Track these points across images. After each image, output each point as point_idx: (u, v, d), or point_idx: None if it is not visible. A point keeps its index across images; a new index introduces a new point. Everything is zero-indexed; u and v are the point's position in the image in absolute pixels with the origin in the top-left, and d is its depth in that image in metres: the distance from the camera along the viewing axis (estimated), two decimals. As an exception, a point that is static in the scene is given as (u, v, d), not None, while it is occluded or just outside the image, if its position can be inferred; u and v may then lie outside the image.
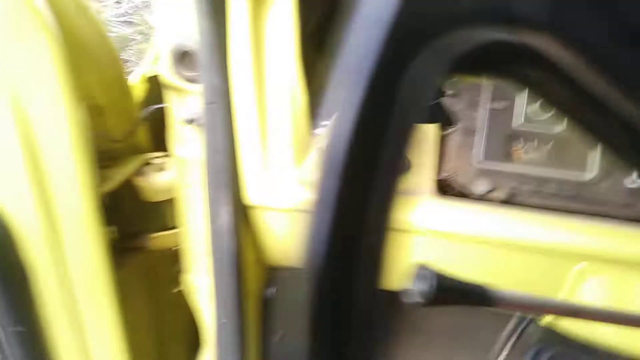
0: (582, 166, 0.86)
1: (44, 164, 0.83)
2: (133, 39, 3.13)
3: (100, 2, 3.29)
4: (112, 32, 3.06)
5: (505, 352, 1.42)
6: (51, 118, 0.81)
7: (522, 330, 1.40)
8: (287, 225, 1.03)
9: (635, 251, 0.82)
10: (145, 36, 3.08)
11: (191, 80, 0.92)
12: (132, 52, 3.04)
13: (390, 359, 1.66)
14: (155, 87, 1.23)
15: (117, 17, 3.30)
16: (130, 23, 3.25)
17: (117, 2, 3.38)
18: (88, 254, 0.95)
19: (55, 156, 0.83)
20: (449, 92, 0.85)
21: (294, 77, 0.90)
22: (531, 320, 1.34)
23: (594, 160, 0.85)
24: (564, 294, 0.88)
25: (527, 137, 0.88)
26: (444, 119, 0.86)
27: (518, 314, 1.41)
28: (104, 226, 0.95)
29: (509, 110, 0.88)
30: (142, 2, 3.28)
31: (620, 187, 0.84)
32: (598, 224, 0.85)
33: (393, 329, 1.68)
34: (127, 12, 3.28)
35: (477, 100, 0.86)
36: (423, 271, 0.46)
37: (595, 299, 0.87)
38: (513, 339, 1.42)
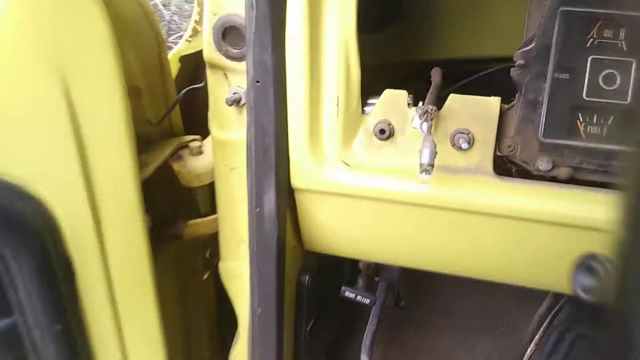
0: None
1: (91, 153, 0.79)
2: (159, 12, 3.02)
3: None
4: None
5: (539, 334, 1.39)
6: (99, 103, 0.76)
7: (557, 311, 1.37)
8: (332, 210, 1.00)
9: None
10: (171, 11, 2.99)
11: (236, 57, 0.87)
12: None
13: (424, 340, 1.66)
14: (187, 67, 1.18)
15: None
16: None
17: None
18: (130, 246, 0.91)
19: (101, 143, 0.79)
20: (518, 62, 0.80)
21: (351, 55, 0.85)
22: (566, 301, 1.31)
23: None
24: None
25: (593, 110, 0.83)
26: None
27: (551, 293, 1.39)
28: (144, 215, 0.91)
29: (574, 81, 0.83)
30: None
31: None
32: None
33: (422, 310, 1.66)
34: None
35: (545, 70, 0.81)
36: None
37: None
38: (548, 320, 1.40)
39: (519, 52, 0.80)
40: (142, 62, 0.97)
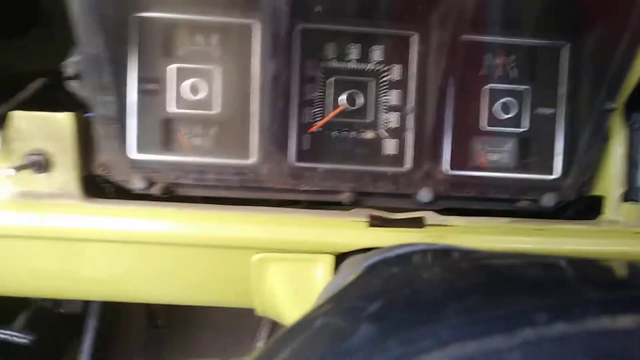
0: (243, 151, 0.80)
1: None
2: None
3: None
4: None
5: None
6: None
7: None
8: None
9: (300, 237, 0.80)
10: None
11: None
12: None
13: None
14: None
15: None
16: None
17: None
18: None
19: None
20: (70, 74, 0.71)
21: None
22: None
23: (254, 144, 0.80)
24: (254, 283, 0.83)
25: (183, 121, 0.79)
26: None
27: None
28: None
29: (162, 91, 0.77)
30: None
31: (281, 170, 0.80)
32: (265, 213, 0.80)
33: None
34: None
35: (125, 81, 0.73)
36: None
37: (280, 285, 0.83)
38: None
39: (67, 62, 0.71)
40: None
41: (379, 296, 0.31)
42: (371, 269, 0.43)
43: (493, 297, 0.27)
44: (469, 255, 0.40)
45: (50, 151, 0.74)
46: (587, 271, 0.34)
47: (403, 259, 0.41)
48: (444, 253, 0.41)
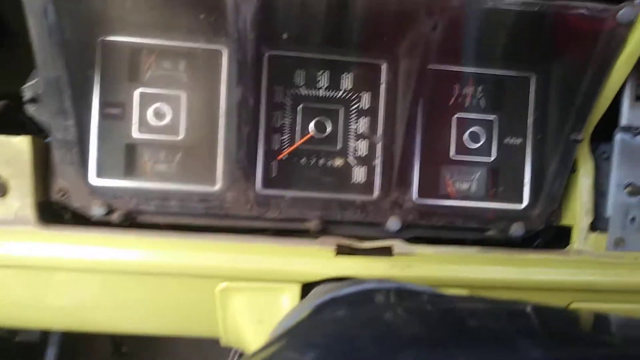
0: (208, 178, 0.78)
1: None
2: None
3: None
4: None
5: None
6: None
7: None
8: None
9: (266, 265, 0.78)
10: None
11: None
12: None
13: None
14: None
15: None
16: None
17: None
18: None
19: None
20: (28, 97, 0.69)
21: None
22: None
23: (219, 171, 0.78)
24: (219, 312, 0.81)
25: (147, 148, 0.77)
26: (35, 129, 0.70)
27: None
28: None
29: (125, 116, 0.75)
30: None
31: (247, 198, 0.78)
32: (230, 241, 0.78)
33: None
34: None
35: (86, 105, 0.71)
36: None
37: (245, 314, 0.81)
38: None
39: (25, 86, 0.69)
40: None
41: (318, 345, 0.30)
42: (320, 309, 0.42)
43: (433, 353, 0.26)
44: (419, 297, 0.39)
45: (6, 176, 0.72)
46: (529, 323, 0.33)
47: (352, 300, 0.40)
48: (395, 294, 0.39)
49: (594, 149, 0.88)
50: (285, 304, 0.79)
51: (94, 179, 0.76)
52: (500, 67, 0.83)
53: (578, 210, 0.87)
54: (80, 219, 0.77)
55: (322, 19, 0.72)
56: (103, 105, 0.74)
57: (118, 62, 0.74)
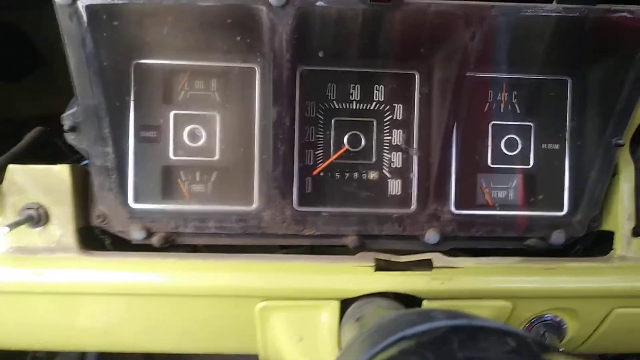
0: (245, 197, 0.78)
1: None
2: None
3: None
4: None
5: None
6: None
7: None
8: None
9: (305, 284, 0.77)
10: None
11: None
12: None
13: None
14: None
15: None
16: None
17: None
18: None
19: None
20: (68, 127, 0.69)
21: None
22: None
23: (255, 190, 0.78)
24: (258, 330, 0.80)
25: (184, 170, 0.77)
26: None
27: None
28: None
29: (161, 139, 0.75)
30: None
31: (284, 216, 0.78)
32: (268, 260, 0.78)
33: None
34: None
35: (123, 131, 0.71)
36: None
37: (285, 332, 0.81)
38: None
39: (65, 115, 0.69)
40: None
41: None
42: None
43: None
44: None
45: (46, 204, 0.72)
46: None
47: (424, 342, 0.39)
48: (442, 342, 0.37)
49: (632, 151, 0.85)
50: (324, 321, 0.79)
51: (132, 203, 0.76)
52: (536, 73, 0.82)
53: (620, 216, 0.84)
54: (119, 243, 0.77)
55: (357, 33, 0.71)
56: (139, 129, 0.74)
57: (152, 84, 0.74)
